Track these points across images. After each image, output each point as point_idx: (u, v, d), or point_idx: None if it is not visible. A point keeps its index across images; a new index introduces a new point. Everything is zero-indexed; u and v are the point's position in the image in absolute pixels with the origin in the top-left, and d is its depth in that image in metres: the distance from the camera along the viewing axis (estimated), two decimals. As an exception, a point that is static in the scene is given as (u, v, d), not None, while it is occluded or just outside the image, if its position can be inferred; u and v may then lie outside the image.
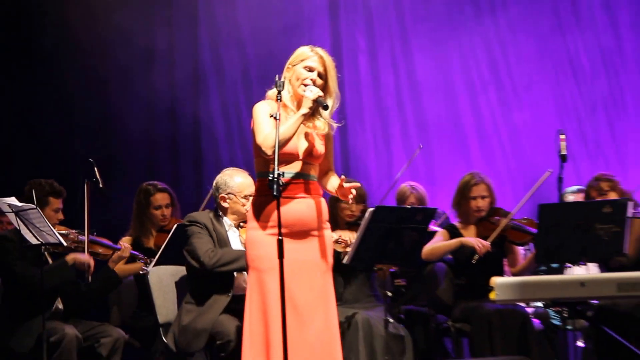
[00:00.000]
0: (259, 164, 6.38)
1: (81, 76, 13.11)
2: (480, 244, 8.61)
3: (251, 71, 13.22)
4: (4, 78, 13.08)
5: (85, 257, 7.92)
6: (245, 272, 7.14)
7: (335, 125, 6.61)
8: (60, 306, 8.01)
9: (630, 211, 8.31)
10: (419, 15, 13.07)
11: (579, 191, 9.91)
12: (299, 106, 6.34)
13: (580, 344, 9.22)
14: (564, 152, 8.75)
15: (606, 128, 12.37)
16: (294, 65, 6.47)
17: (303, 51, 6.50)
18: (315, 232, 6.45)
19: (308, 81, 6.35)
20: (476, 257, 8.59)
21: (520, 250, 9.13)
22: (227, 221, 7.75)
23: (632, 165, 10.32)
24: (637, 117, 12.38)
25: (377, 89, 13.13)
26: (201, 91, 13.54)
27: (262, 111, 6.34)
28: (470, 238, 8.76)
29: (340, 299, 7.40)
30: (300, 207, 6.37)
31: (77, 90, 13.00)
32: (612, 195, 9.03)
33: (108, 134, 12.86)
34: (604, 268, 8.48)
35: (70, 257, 7.84)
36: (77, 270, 8.17)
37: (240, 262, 7.29)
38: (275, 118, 6.06)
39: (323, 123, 6.46)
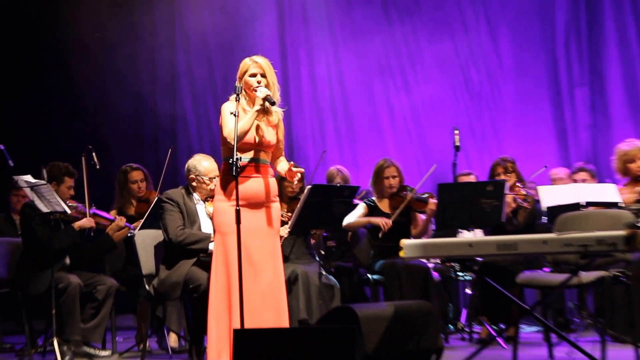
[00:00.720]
0: (224, 151, 6.49)
1: (82, 75, 13.03)
2: (384, 222, 8.71)
3: (216, 74, 13.16)
4: (19, 81, 13.02)
5: (87, 222, 7.98)
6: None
7: (281, 111, 6.69)
8: (68, 261, 8.01)
9: (507, 189, 8.47)
10: (345, 24, 13.03)
11: (468, 174, 10.00)
12: (254, 105, 6.43)
13: (468, 291, 9.35)
14: (457, 144, 8.85)
15: (490, 125, 12.46)
16: (241, 77, 6.56)
17: (245, 63, 6.62)
18: (267, 204, 6.56)
19: (255, 84, 6.46)
20: (381, 233, 8.69)
21: (420, 217, 9.19)
22: (196, 197, 7.78)
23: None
24: (514, 116, 12.47)
25: (314, 91, 13.07)
26: (176, 90, 13.49)
27: (227, 110, 6.46)
28: (376, 218, 8.83)
29: (286, 258, 7.44)
30: (255, 185, 6.49)
31: (80, 89, 12.96)
32: (513, 174, 9.18)
33: (103, 124, 12.80)
34: (487, 232, 8.58)
35: (77, 224, 7.87)
36: (82, 234, 8.24)
37: (202, 244, 7.38)
38: (234, 115, 6.18)
39: (274, 115, 6.57)
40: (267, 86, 6.49)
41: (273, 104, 6.43)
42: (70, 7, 12.81)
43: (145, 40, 13.25)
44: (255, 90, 6.43)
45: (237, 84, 6.47)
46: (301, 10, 13.30)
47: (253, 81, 6.48)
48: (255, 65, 6.54)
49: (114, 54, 12.86)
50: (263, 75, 6.52)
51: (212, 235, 7.14)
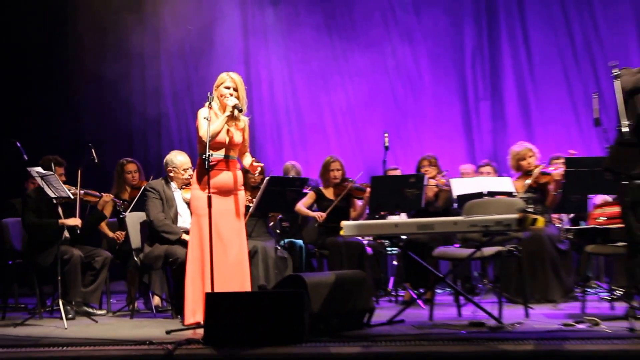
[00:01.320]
0: (199, 148, 6.59)
1: (83, 85, 12.98)
2: (319, 215, 8.83)
3: (193, 84, 13.04)
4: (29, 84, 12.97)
5: (72, 222, 7.95)
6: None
7: (247, 119, 6.81)
8: (68, 235, 8.01)
9: (426, 180, 8.57)
10: (297, 40, 12.94)
11: (395, 169, 10.06)
12: (225, 112, 6.55)
13: (395, 262, 9.41)
14: (387, 144, 8.94)
15: (412, 128, 12.52)
16: (217, 87, 6.68)
17: (222, 76, 6.74)
18: (235, 192, 6.69)
19: (228, 94, 6.58)
20: (316, 224, 8.81)
21: (358, 203, 9.25)
22: (173, 185, 7.82)
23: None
24: (432, 122, 12.52)
25: (272, 97, 13.02)
26: (160, 97, 13.32)
27: (202, 115, 6.53)
28: (314, 213, 8.97)
29: (249, 235, 7.49)
30: (225, 176, 6.61)
31: (81, 96, 12.94)
32: (435, 167, 9.29)
33: (100, 124, 12.72)
34: (410, 215, 8.62)
35: (61, 221, 7.88)
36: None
37: (172, 236, 7.52)
38: (207, 119, 6.35)
39: (242, 121, 6.67)
40: (237, 98, 6.60)
41: (240, 111, 6.54)
42: (76, 30, 12.77)
43: (136, 56, 13.08)
44: (227, 98, 6.57)
45: (209, 94, 6.60)
46: (262, 28, 13.20)
47: (226, 92, 6.60)
48: (230, 79, 6.66)
49: (110, 67, 12.67)
50: (235, 89, 6.63)
51: (181, 233, 7.46)
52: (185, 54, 13.15)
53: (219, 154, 6.56)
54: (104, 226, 8.82)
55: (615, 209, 7.29)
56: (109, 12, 12.55)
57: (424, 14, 12.84)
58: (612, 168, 6.29)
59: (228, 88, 6.63)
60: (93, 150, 8.65)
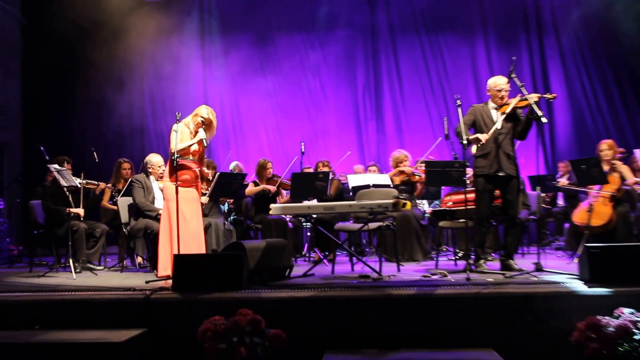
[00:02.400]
0: (171, 153, 6.35)
1: (88, 105, 12.82)
2: (271, 188, 8.74)
3: (166, 102, 12.82)
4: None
5: (77, 211, 7.84)
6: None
7: (209, 140, 6.74)
8: (76, 211, 7.91)
9: (332, 175, 8.56)
10: (239, 64, 12.75)
11: (308, 167, 10.03)
12: (195, 134, 6.53)
13: (308, 233, 9.40)
14: (303, 150, 8.89)
15: (321, 139, 12.46)
16: (196, 115, 6.55)
17: (201, 108, 6.60)
18: (195, 184, 6.63)
19: (201, 125, 6.52)
20: (270, 194, 8.77)
21: (284, 192, 9.23)
22: (152, 178, 7.76)
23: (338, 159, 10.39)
24: (335, 134, 12.55)
25: (222, 111, 12.67)
26: (143, 111, 13.12)
27: (172, 131, 6.39)
28: (264, 187, 8.82)
29: (204, 214, 7.42)
30: (188, 173, 6.54)
31: (86, 114, 12.76)
32: (328, 167, 9.22)
33: (101, 132, 12.48)
34: (319, 200, 8.61)
35: (69, 210, 7.77)
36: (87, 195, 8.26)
37: (151, 212, 7.51)
38: (175, 132, 6.30)
39: (206, 141, 6.58)
40: (207, 130, 6.58)
41: (206, 142, 6.58)
42: (85, 67, 12.62)
43: (126, 83, 12.93)
44: (198, 131, 6.52)
45: (178, 113, 6.44)
46: (215, 57, 13.12)
47: (200, 123, 6.53)
48: (207, 112, 6.55)
49: (107, 92, 12.56)
50: (209, 123, 6.56)
51: (158, 211, 7.34)
52: (160, 81, 12.90)
53: (184, 158, 6.50)
54: (106, 204, 8.71)
55: (460, 197, 7.42)
56: (109, 59, 12.39)
57: (329, 57, 12.84)
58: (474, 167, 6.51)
59: (203, 120, 6.54)
60: (94, 152, 8.63)
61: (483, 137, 6.27)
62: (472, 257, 6.61)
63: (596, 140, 8.94)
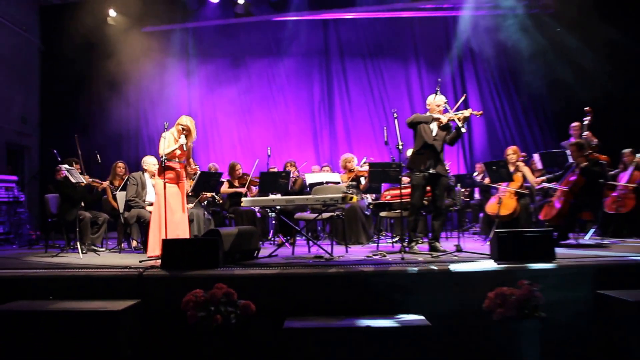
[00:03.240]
0: (160, 155, 6.36)
1: (94, 113, 12.72)
2: (243, 190, 8.71)
3: (156, 112, 12.63)
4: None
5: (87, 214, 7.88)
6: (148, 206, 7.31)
7: (192, 144, 6.68)
8: (83, 204, 7.81)
9: (293, 176, 8.55)
10: (216, 92, 12.71)
11: (274, 167, 10.00)
12: (177, 141, 6.45)
13: (274, 222, 9.36)
14: (269, 154, 8.87)
15: (284, 142, 12.32)
16: (179, 124, 6.48)
17: (181, 118, 6.53)
18: (180, 181, 6.55)
19: (183, 136, 6.44)
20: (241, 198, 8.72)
21: (253, 188, 9.19)
22: (147, 175, 7.65)
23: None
24: (296, 141, 12.48)
25: (203, 120, 12.58)
26: (139, 120, 12.95)
27: (162, 138, 6.38)
28: (236, 190, 8.82)
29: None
30: (174, 172, 6.47)
31: (92, 121, 12.50)
32: (294, 167, 9.25)
33: (103, 138, 12.26)
34: (282, 194, 8.58)
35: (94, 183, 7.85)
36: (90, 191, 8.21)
37: (138, 207, 7.44)
38: (164, 138, 6.32)
39: (185, 145, 6.48)
40: (187, 136, 6.49)
41: (186, 145, 6.47)
42: (92, 85, 12.43)
43: (123, 98, 12.80)
44: (180, 137, 6.43)
45: (166, 123, 6.39)
46: (197, 75, 12.94)
47: (181, 130, 6.45)
48: (186, 120, 6.48)
49: (110, 105, 12.49)
50: (187, 130, 6.48)
51: (145, 206, 7.42)
52: (151, 94, 12.72)
53: (171, 160, 6.43)
54: (111, 200, 8.51)
55: (396, 192, 7.47)
56: (109, 77, 12.16)
57: (290, 76, 12.79)
58: (409, 166, 6.51)
59: (183, 128, 6.47)
60: (98, 154, 8.61)
61: (443, 117, 6.42)
62: (407, 240, 6.65)
63: (504, 146, 9.07)
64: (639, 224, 7.88)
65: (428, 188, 6.63)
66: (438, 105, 6.53)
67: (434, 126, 6.50)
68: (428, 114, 6.54)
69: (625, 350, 4.48)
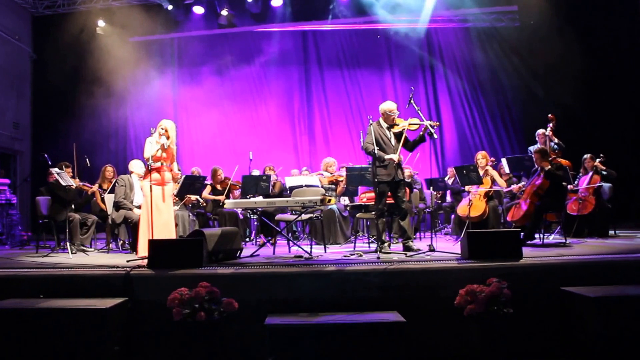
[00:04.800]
0: (146, 159, 6.30)
1: (84, 119, 12.51)
2: (221, 198, 8.66)
3: (144, 118, 12.49)
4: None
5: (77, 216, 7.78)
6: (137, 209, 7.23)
7: (175, 147, 6.60)
8: (73, 207, 7.72)
9: (273, 179, 8.52)
10: (204, 102, 12.62)
11: (256, 171, 9.95)
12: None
13: (255, 223, 9.32)
14: (251, 157, 8.86)
15: (265, 149, 12.24)
16: (159, 127, 6.42)
17: (162, 122, 6.48)
18: (166, 183, 6.46)
19: (164, 137, 6.37)
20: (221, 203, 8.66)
21: (236, 192, 9.17)
22: (134, 177, 7.55)
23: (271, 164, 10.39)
24: (278, 146, 12.36)
25: (189, 124, 12.67)
26: (127, 126, 12.85)
27: (148, 141, 6.35)
28: (215, 197, 8.78)
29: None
30: (158, 175, 6.40)
31: (83, 127, 12.37)
32: (274, 171, 9.23)
33: (93, 143, 12.10)
34: (264, 197, 8.56)
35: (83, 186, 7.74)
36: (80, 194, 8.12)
37: (126, 208, 7.32)
38: (150, 143, 6.29)
39: (172, 148, 6.45)
40: (167, 136, 6.41)
41: (168, 145, 6.40)
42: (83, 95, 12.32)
43: (112, 103, 12.68)
44: (161, 138, 6.37)
45: (152, 129, 6.42)
46: (182, 84, 12.87)
47: (161, 132, 6.39)
48: (164, 126, 6.42)
49: (99, 109, 12.38)
50: (167, 131, 6.41)
51: (133, 208, 7.32)
52: (140, 101, 12.60)
53: (157, 162, 6.37)
54: (100, 202, 8.43)
55: (372, 195, 7.47)
56: (99, 84, 12.10)
57: (272, 85, 12.77)
58: (374, 179, 6.46)
59: (163, 129, 6.41)
60: (87, 159, 8.59)
61: (395, 157, 6.37)
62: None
63: (474, 151, 9.14)
64: (598, 225, 7.98)
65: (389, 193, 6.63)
66: (392, 111, 6.52)
67: (391, 136, 6.50)
68: (373, 148, 6.37)
69: (587, 342, 4.53)
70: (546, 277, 4.95)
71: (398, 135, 6.50)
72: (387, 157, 6.37)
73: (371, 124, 6.54)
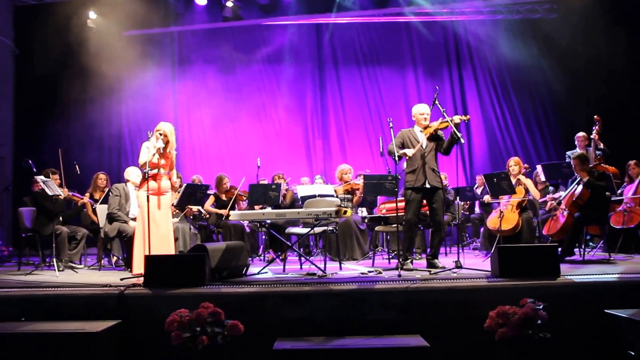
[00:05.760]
0: (142, 166, 6.37)
1: (76, 129, 12.46)
2: (224, 212, 8.64)
3: (140, 121, 12.50)
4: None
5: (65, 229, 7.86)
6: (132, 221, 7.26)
7: (175, 152, 6.68)
8: (61, 219, 7.80)
9: (283, 188, 8.54)
10: (207, 104, 12.65)
11: (264, 180, 9.96)
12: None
13: (264, 237, 9.33)
14: (259, 164, 8.89)
15: (275, 156, 12.32)
16: (156, 131, 6.48)
17: (159, 124, 6.54)
18: (164, 192, 6.51)
19: (160, 140, 6.41)
20: (224, 217, 8.67)
21: (243, 204, 9.21)
22: (130, 186, 7.58)
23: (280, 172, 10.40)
24: (288, 152, 12.44)
25: (190, 138, 12.66)
26: (121, 131, 12.83)
27: (144, 146, 6.41)
28: (218, 210, 8.77)
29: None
30: (157, 183, 6.46)
31: (74, 131, 12.43)
32: (282, 180, 9.25)
33: (84, 151, 12.06)
34: (273, 207, 8.57)
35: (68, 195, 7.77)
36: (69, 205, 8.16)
37: (121, 220, 7.31)
38: (147, 148, 6.36)
39: (162, 149, 6.46)
40: (167, 142, 6.47)
41: (164, 150, 6.45)
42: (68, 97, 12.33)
43: (106, 109, 12.72)
44: (157, 141, 6.41)
45: (149, 132, 6.48)
46: (183, 83, 12.86)
47: (158, 136, 6.43)
48: (162, 129, 6.47)
49: (91, 111, 12.40)
50: (165, 135, 6.46)
51: (128, 220, 7.32)
52: (136, 102, 12.53)
53: (153, 170, 6.42)
54: (91, 214, 8.54)
55: (392, 205, 7.47)
56: (90, 83, 12.13)
57: (282, 84, 12.75)
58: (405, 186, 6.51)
59: (160, 134, 6.46)
60: (77, 165, 8.60)
61: (410, 151, 6.43)
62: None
63: (506, 157, 9.11)
64: (646, 240, 7.91)
65: (424, 202, 6.64)
66: (422, 114, 6.61)
67: (422, 139, 6.54)
68: (397, 149, 6.48)
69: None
70: (587, 298, 4.92)
71: (432, 139, 6.54)
72: (408, 151, 6.47)
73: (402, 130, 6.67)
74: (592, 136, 8.47)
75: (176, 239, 7.17)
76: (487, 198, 8.41)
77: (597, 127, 8.46)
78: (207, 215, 8.99)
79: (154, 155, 6.37)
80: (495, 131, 12.27)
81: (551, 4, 11.78)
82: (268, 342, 4.60)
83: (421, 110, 6.63)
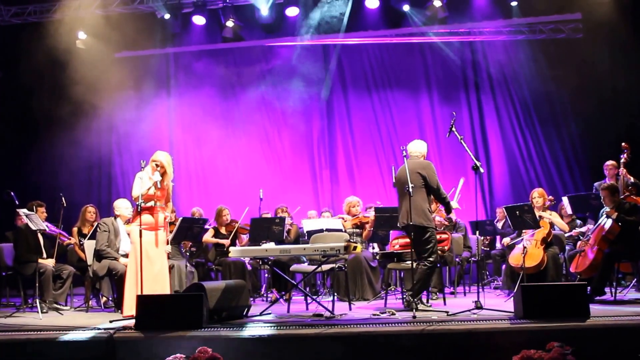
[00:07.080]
0: (135, 199, 6.42)
1: (62, 157, 12.52)
2: (225, 242, 8.77)
3: (132, 149, 12.59)
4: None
5: (47, 262, 7.90)
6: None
7: (172, 184, 6.75)
8: (45, 256, 7.84)
9: (287, 222, 8.57)
10: (204, 128, 12.82)
11: (267, 213, 10.00)
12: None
13: (266, 275, 9.33)
14: (261, 196, 8.87)
15: (278, 186, 12.30)
16: (152, 161, 6.54)
17: (155, 153, 6.62)
18: (158, 228, 6.56)
19: (157, 173, 6.47)
20: (225, 248, 8.70)
21: (244, 237, 9.23)
22: (119, 221, 7.61)
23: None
24: (294, 182, 12.50)
25: (187, 167, 12.75)
26: (110, 161, 12.95)
27: (137, 177, 6.47)
28: (220, 240, 8.85)
29: (168, 256, 7.33)
30: (152, 217, 6.51)
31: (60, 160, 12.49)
32: (288, 213, 9.33)
33: (72, 182, 12.15)
34: (276, 243, 8.58)
35: (41, 262, 7.69)
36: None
37: (110, 258, 7.32)
38: (141, 179, 6.45)
39: (159, 183, 6.48)
40: (163, 174, 6.52)
41: (160, 183, 6.48)
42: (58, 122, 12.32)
43: (93, 130, 12.70)
44: (154, 174, 6.48)
45: (143, 161, 6.52)
46: (179, 107, 12.96)
47: (155, 167, 6.51)
48: (161, 156, 6.56)
49: (79, 137, 12.40)
50: (162, 166, 6.52)
51: (118, 257, 7.35)
52: (127, 127, 12.61)
53: (148, 203, 6.47)
54: (78, 250, 8.56)
55: (406, 240, 7.47)
56: (78, 107, 12.13)
57: (286, 110, 12.80)
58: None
59: (157, 165, 6.53)
60: (62, 197, 8.55)
61: (454, 204, 6.94)
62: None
63: (529, 188, 9.11)
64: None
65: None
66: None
67: None
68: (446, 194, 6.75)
69: None
70: (620, 341, 4.89)
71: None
72: (453, 203, 6.91)
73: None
74: (619, 170, 8.46)
75: (170, 269, 7.18)
76: (506, 241, 8.41)
77: (625, 155, 8.46)
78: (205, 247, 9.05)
79: (149, 188, 6.43)
80: (517, 160, 12.26)
81: (576, 23, 11.84)
82: (271, 389, 4.60)
83: (421, 148, 6.87)
